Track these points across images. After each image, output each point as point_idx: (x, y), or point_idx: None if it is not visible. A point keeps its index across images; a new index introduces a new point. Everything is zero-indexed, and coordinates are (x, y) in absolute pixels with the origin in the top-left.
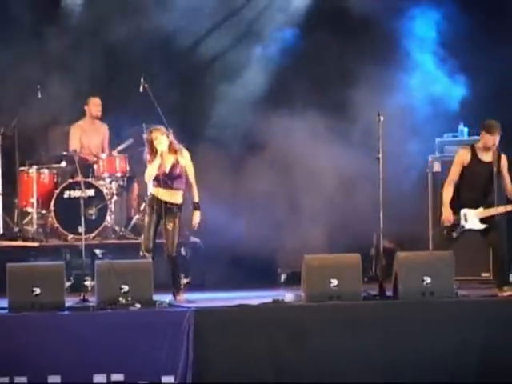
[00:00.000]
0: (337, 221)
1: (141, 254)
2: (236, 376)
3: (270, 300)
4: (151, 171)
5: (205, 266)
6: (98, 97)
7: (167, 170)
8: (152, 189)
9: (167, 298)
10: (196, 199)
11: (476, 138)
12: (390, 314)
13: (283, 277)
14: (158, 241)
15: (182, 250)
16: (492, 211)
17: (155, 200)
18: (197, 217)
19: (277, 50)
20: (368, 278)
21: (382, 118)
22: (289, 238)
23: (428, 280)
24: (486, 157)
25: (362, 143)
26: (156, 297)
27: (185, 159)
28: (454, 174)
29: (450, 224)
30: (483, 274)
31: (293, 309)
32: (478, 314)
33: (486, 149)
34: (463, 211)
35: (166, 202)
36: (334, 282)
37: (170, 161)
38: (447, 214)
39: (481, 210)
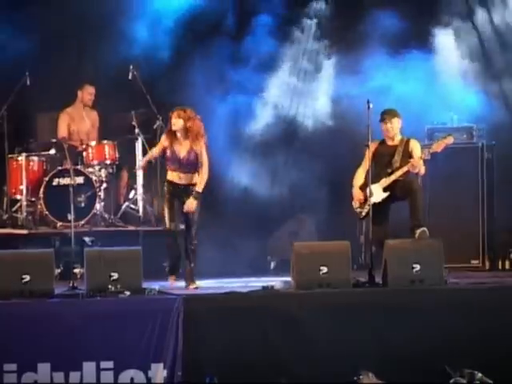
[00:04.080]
0: (326, 208)
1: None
2: (225, 363)
3: (259, 287)
4: (144, 159)
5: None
6: (94, 85)
7: (181, 156)
8: (168, 174)
9: (157, 285)
10: (198, 188)
11: (465, 124)
12: (379, 301)
13: (273, 264)
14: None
15: None
16: (392, 177)
17: (172, 185)
18: (191, 204)
19: None
20: (357, 266)
21: (371, 106)
22: (279, 226)
23: (417, 267)
24: (392, 142)
25: (351, 130)
26: (145, 284)
27: (199, 147)
28: (365, 160)
29: (359, 204)
30: (472, 261)
31: (282, 296)
32: (467, 302)
33: (388, 137)
34: (369, 188)
35: (183, 185)
36: (324, 269)
37: (185, 147)
38: (356, 194)
39: (383, 180)
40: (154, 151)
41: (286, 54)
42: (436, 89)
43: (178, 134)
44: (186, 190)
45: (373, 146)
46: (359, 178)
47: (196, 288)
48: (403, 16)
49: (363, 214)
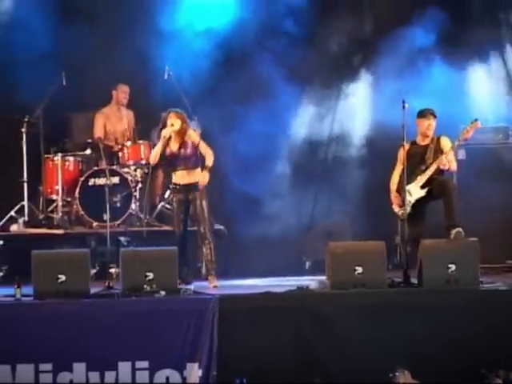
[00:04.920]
0: (361, 208)
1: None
2: (260, 363)
3: (294, 287)
4: (153, 154)
5: (229, 253)
6: (127, 84)
7: (175, 150)
8: (173, 177)
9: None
10: (208, 163)
11: (500, 124)
12: (414, 301)
13: (308, 264)
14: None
15: None
16: (428, 173)
17: (178, 189)
18: (203, 178)
19: None
20: (392, 266)
21: (406, 106)
22: (314, 225)
23: (453, 268)
24: (424, 142)
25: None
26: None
27: (191, 136)
28: (398, 162)
29: (399, 207)
30: (508, 262)
31: (317, 296)
32: (502, 302)
33: (424, 135)
34: (407, 188)
35: (186, 185)
36: (359, 269)
37: (178, 143)
38: (394, 199)
39: (419, 178)
40: (159, 148)
41: (316, 75)
42: (471, 93)
43: (173, 134)
44: (190, 190)
45: (406, 145)
46: (394, 180)
47: (215, 287)
48: (433, 30)
49: (405, 215)
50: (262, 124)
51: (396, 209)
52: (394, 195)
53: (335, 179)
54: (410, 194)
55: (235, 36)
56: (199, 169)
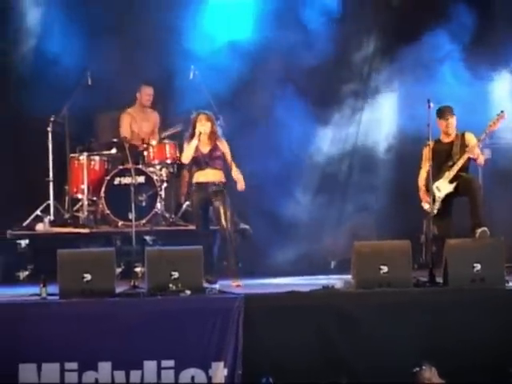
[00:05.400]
0: (387, 207)
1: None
2: (285, 362)
3: (320, 287)
4: (188, 152)
5: (255, 253)
6: (151, 86)
7: (206, 152)
8: (194, 176)
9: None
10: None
11: None
12: (440, 300)
13: (333, 263)
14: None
15: None
16: (455, 168)
17: (200, 188)
18: (240, 177)
19: None
20: (418, 265)
21: (431, 105)
22: (339, 225)
23: (478, 267)
24: (448, 139)
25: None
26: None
27: (224, 146)
28: (424, 160)
29: (428, 204)
30: None
31: (343, 296)
32: None
33: (446, 134)
34: (435, 185)
35: (209, 184)
36: (384, 268)
37: (209, 145)
38: (423, 196)
39: (447, 173)
40: (192, 147)
41: (345, 84)
42: (495, 96)
43: (203, 136)
44: (214, 189)
45: (431, 144)
46: (422, 178)
47: (238, 286)
48: (455, 35)
49: (435, 211)
50: (286, 135)
51: (426, 206)
52: (422, 192)
53: (360, 180)
54: (439, 190)
55: (255, 52)
56: (222, 171)
